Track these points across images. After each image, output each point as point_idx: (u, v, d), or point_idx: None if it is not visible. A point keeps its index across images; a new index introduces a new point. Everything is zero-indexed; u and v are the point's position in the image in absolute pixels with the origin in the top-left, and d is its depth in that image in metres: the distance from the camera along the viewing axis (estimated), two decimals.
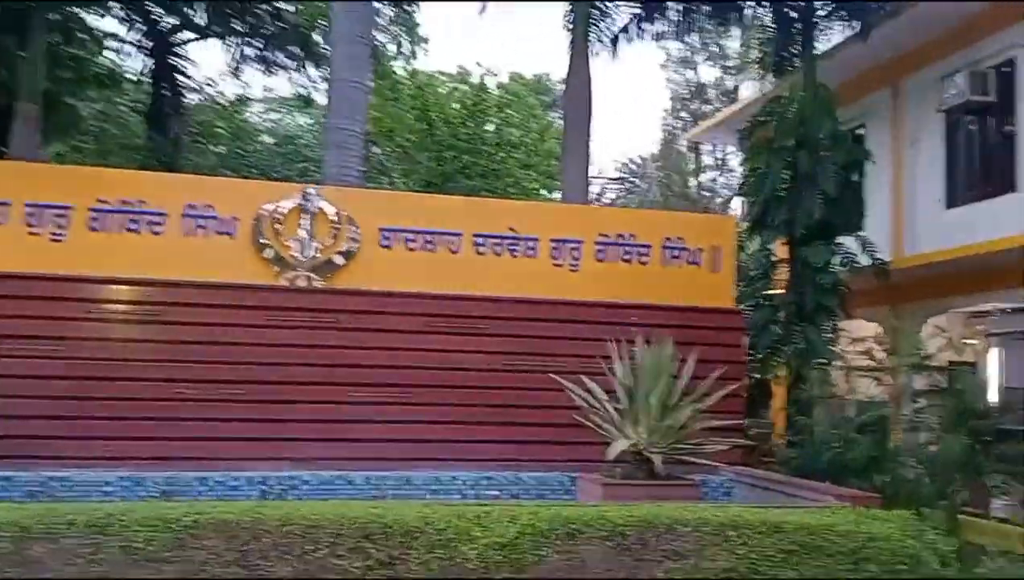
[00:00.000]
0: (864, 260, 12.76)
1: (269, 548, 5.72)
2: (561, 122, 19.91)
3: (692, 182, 37.66)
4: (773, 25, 14.75)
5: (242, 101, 29.21)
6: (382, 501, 7.59)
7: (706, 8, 15.75)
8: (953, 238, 12.20)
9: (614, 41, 16.13)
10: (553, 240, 11.21)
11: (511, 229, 11.10)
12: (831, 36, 14.45)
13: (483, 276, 10.80)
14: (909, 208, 14.06)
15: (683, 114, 37.20)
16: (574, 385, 9.30)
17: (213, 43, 22.17)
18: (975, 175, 13.04)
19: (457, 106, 27.33)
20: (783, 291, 13.18)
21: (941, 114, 13.30)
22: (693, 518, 6.39)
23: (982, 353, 15.71)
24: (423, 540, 5.95)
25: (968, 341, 15.35)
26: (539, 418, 10.30)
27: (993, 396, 13.26)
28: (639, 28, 15.99)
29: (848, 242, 12.88)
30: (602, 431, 9.14)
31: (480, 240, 10.97)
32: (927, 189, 13.65)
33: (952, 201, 13.26)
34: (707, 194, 36.22)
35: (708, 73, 36.94)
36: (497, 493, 9.62)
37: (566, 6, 16.39)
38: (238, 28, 21.34)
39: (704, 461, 9.09)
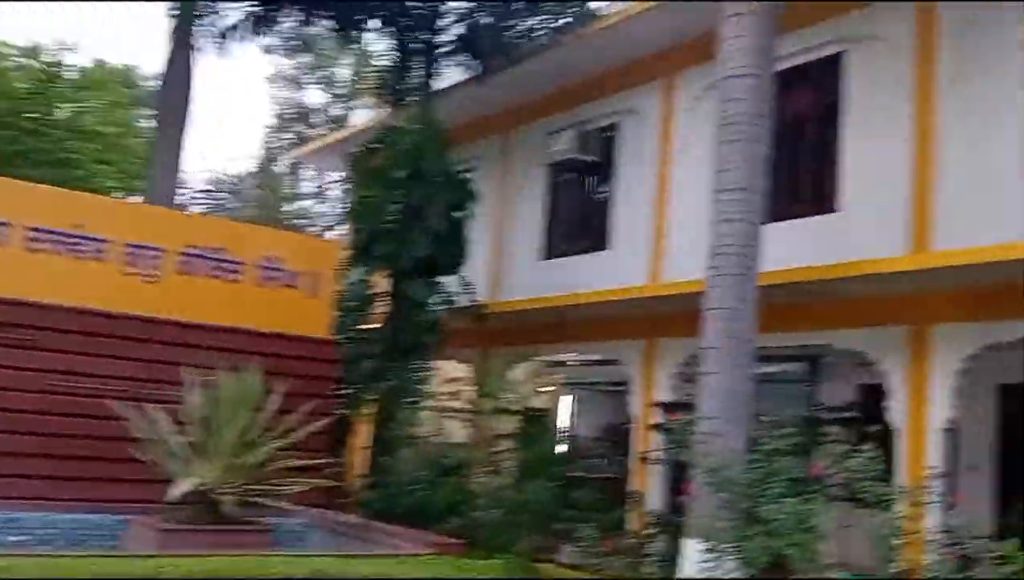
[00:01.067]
0: (464, 301, 13.04)
1: None
2: (149, 121, 18.33)
3: (288, 206, 37.01)
4: (396, 54, 14.83)
5: None
6: None
7: (325, 24, 15.44)
8: (546, 288, 12.94)
9: (222, 37, 15.18)
10: (129, 245, 10.14)
11: (76, 226, 9.82)
12: (452, 75, 14.85)
13: (34, 278, 9.52)
14: (508, 255, 14.80)
15: (286, 135, 36.51)
16: (136, 413, 8.24)
17: None
18: (572, 230, 14.07)
19: (24, 85, 24.08)
20: (380, 325, 13.07)
21: (545, 167, 14.17)
22: (268, 572, 5.77)
23: (557, 401, 16.97)
24: None
25: (547, 389, 16.49)
26: (86, 450, 9.16)
27: (566, 444, 14.19)
28: (255, 28, 15.21)
29: (450, 282, 13.11)
30: (164, 468, 8.16)
31: (34, 235, 9.67)
32: (526, 238, 14.46)
33: (548, 252, 14.14)
34: (303, 220, 35.76)
35: (316, 97, 36.78)
36: (24, 538, 8.23)
37: None
38: None
39: (280, 504, 8.49)
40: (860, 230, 9.88)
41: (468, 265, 13.45)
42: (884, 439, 9.46)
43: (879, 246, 9.47)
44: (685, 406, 11.81)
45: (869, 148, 10.11)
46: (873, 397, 12.68)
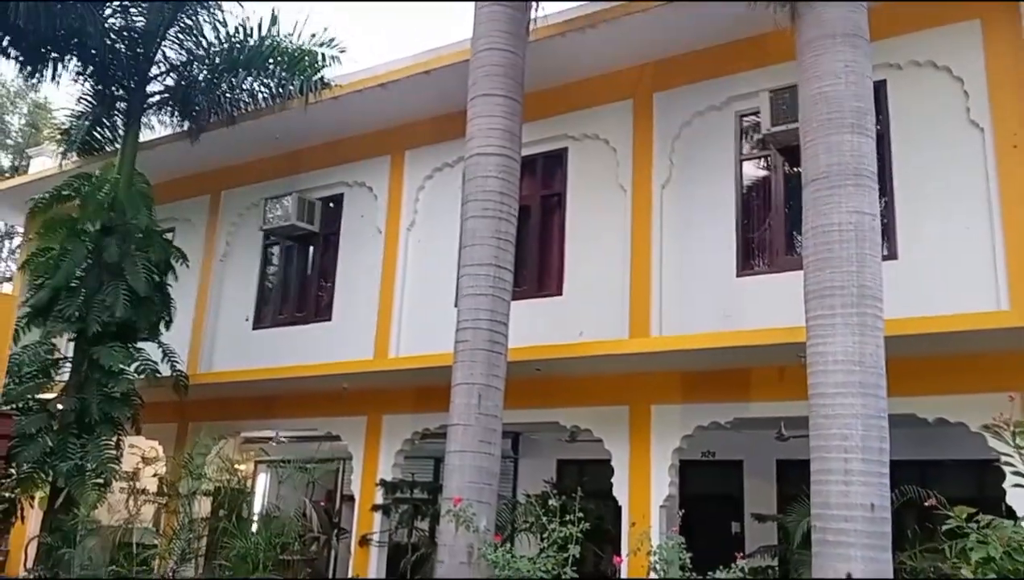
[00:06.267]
0: (165, 370, 11.54)
1: None
2: None
3: None
4: (93, 100, 13.15)
5: None
6: None
7: (13, 59, 13.30)
8: (258, 359, 11.89)
9: None
10: None
11: None
12: (160, 128, 13.48)
13: None
14: (213, 322, 13.48)
15: None
16: None
17: None
18: (290, 300, 13.09)
19: None
20: (61, 395, 11.20)
21: (261, 233, 13.14)
22: None
23: (251, 478, 15.57)
24: None
25: (240, 466, 15.07)
26: None
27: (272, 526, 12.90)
28: None
29: (148, 349, 11.59)
30: None
31: None
32: (238, 306, 13.29)
33: (262, 322, 13.08)
34: None
35: None
36: None
37: None
38: None
39: None
40: (583, 314, 10.05)
41: (171, 331, 12.02)
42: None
43: (600, 330, 9.68)
44: (411, 485, 11.31)
45: (591, 238, 10.39)
46: (579, 473, 12.99)
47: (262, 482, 15.69)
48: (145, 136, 13.15)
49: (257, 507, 14.38)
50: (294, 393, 12.15)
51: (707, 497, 11.78)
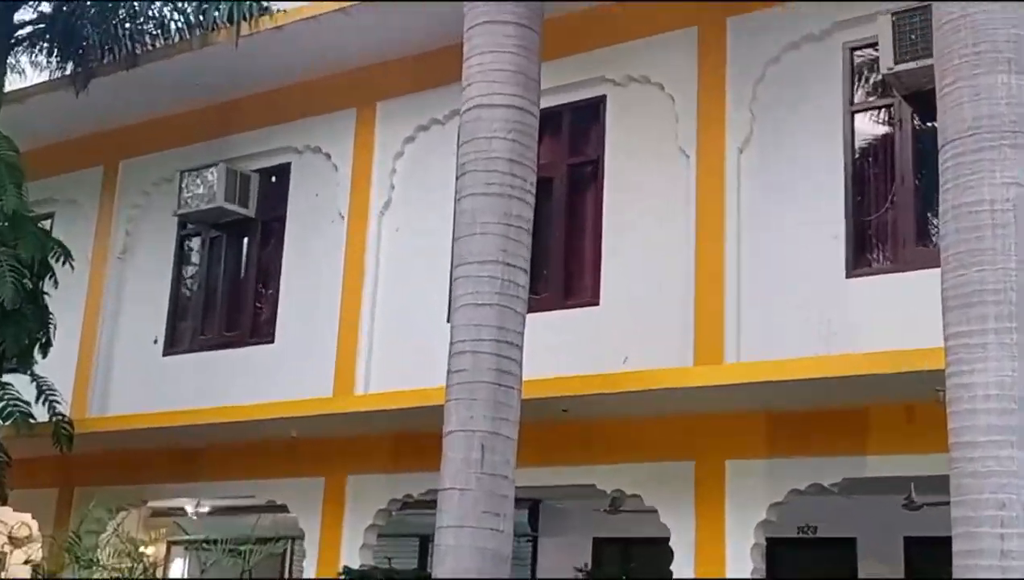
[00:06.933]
0: (41, 413, 11.64)
1: None
2: None
3: None
4: None
5: None
6: None
7: None
8: (171, 398, 11.99)
9: None
10: None
11: None
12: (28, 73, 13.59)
13: None
14: (108, 345, 13.57)
15: None
16: None
17: None
18: (216, 313, 13.20)
19: None
20: None
21: (175, 219, 13.22)
22: None
23: (163, 565, 15.62)
24: None
25: (147, 548, 15.16)
26: None
27: None
28: None
29: (17, 383, 11.69)
30: None
31: None
32: (142, 322, 13.43)
33: (177, 344, 13.24)
34: None
35: None
36: None
37: None
38: None
39: None
40: (628, 332, 10.02)
41: (48, 359, 12.09)
42: None
43: (652, 354, 9.65)
44: (387, 574, 11.30)
45: (640, 225, 10.37)
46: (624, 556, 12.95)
47: (178, 570, 15.73)
48: (13, 84, 13.27)
49: None
50: (223, 446, 12.20)
51: None
